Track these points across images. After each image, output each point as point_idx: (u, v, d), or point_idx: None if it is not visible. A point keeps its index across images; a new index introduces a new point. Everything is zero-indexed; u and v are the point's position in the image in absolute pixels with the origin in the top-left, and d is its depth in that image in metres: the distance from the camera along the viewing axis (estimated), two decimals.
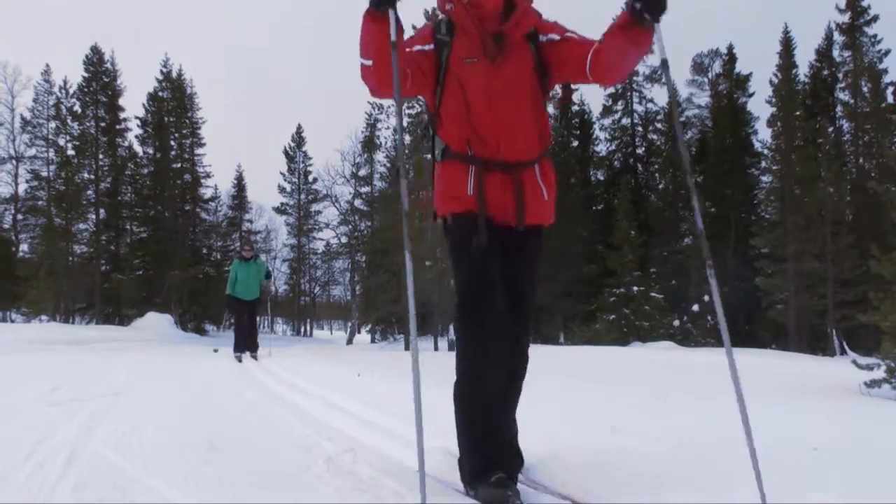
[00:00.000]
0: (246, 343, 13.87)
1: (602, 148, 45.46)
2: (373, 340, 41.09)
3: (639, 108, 44.24)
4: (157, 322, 31.15)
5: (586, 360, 12.56)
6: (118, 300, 38.43)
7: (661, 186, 42.26)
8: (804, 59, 40.22)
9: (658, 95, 44.03)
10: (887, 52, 36.44)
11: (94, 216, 39.67)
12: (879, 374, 9.43)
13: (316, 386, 7.03)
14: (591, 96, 54.63)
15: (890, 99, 36.26)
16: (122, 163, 40.85)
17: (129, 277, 38.07)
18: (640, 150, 44.27)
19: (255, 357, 13.54)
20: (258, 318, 15.23)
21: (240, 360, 13.02)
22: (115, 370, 8.55)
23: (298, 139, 54.25)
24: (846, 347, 26.56)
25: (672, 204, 38.46)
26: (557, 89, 3.60)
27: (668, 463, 3.45)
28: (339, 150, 63.59)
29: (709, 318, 31.25)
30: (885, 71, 36.21)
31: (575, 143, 43.83)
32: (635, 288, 31.34)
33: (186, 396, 6.08)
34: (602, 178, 45.00)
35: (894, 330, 9.56)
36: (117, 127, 40.66)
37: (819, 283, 28.45)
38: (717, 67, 43.88)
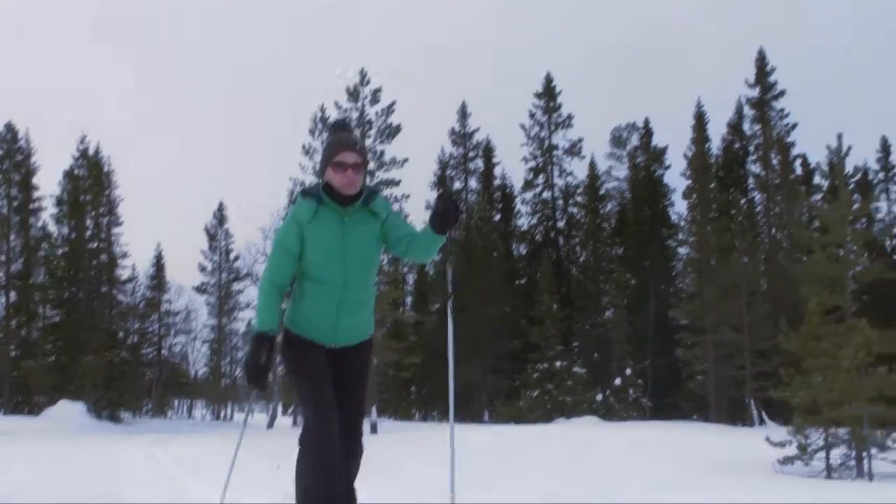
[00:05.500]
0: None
1: (524, 221, 45.85)
2: (294, 423, 39.58)
3: (559, 181, 44.71)
4: (69, 411, 30.64)
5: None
6: (28, 388, 36.91)
7: (581, 259, 42.62)
8: (717, 131, 41.25)
9: (578, 169, 44.72)
10: (794, 126, 37.73)
11: (3, 300, 38.05)
12: (792, 450, 9.44)
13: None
14: (513, 171, 54.82)
15: (798, 171, 37.51)
16: (35, 243, 39.57)
17: (41, 364, 36.60)
18: (560, 224, 44.63)
19: None
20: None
21: None
22: (16, 467, 7.72)
23: (220, 217, 53.32)
24: (765, 417, 26.66)
25: (593, 277, 38.71)
26: None
27: None
28: (260, 229, 62.65)
29: (631, 391, 31.14)
30: (793, 144, 37.55)
31: (497, 217, 44.10)
32: (558, 363, 31.18)
33: (90, 497, 5.33)
34: (524, 251, 45.25)
35: (804, 406, 9.56)
36: (31, 206, 39.38)
37: (737, 354, 28.67)
38: (634, 140, 44.90)
